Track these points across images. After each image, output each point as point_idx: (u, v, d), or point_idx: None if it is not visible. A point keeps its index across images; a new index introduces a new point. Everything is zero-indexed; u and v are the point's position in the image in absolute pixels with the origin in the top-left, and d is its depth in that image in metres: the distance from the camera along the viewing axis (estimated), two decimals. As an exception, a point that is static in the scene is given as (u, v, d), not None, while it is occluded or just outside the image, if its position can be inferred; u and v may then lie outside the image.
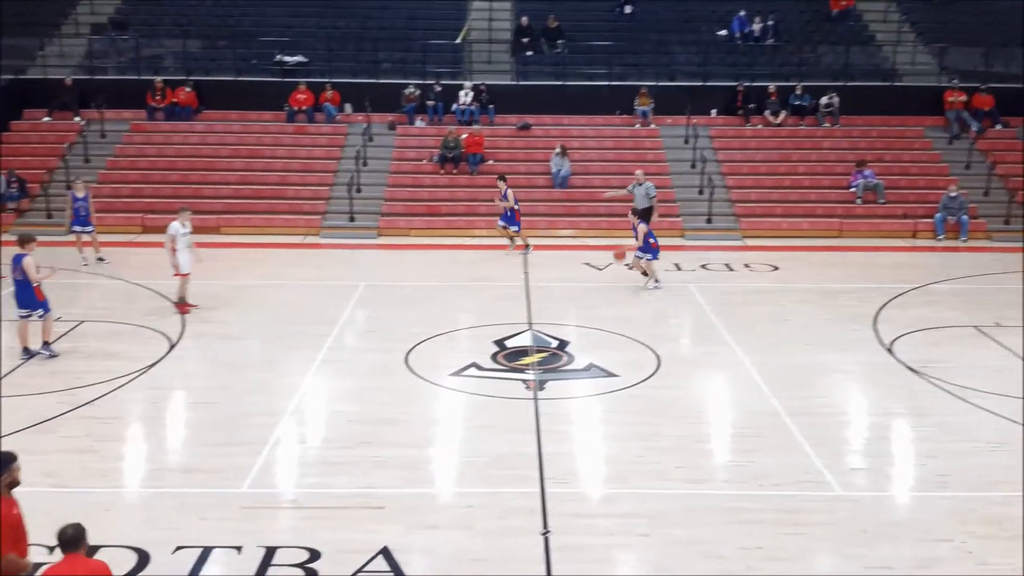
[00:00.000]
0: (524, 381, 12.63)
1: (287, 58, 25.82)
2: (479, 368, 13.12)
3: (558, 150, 23.27)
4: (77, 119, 24.31)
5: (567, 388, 12.53)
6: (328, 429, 11.41)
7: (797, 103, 25.46)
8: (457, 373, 12.90)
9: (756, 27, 27.26)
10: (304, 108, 24.94)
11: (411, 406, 11.88)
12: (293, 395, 12.29)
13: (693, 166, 23.75)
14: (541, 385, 12.48)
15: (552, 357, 13.65)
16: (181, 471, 10.13)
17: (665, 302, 16.73)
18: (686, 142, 24.52)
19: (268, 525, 8.95)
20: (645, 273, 17.29)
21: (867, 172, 23.00)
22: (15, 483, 6.76)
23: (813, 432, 10.97)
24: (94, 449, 10.59)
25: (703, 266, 19.21)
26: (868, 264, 19.49)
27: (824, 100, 25.28)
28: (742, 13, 27.44)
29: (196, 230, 20.50)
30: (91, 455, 10.41)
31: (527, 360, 13.49)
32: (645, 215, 19.14)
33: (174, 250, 15.22)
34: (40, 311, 13.23)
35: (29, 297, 13.12)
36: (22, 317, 13.23)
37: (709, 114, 25.55)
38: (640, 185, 19.88)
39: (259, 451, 10.49)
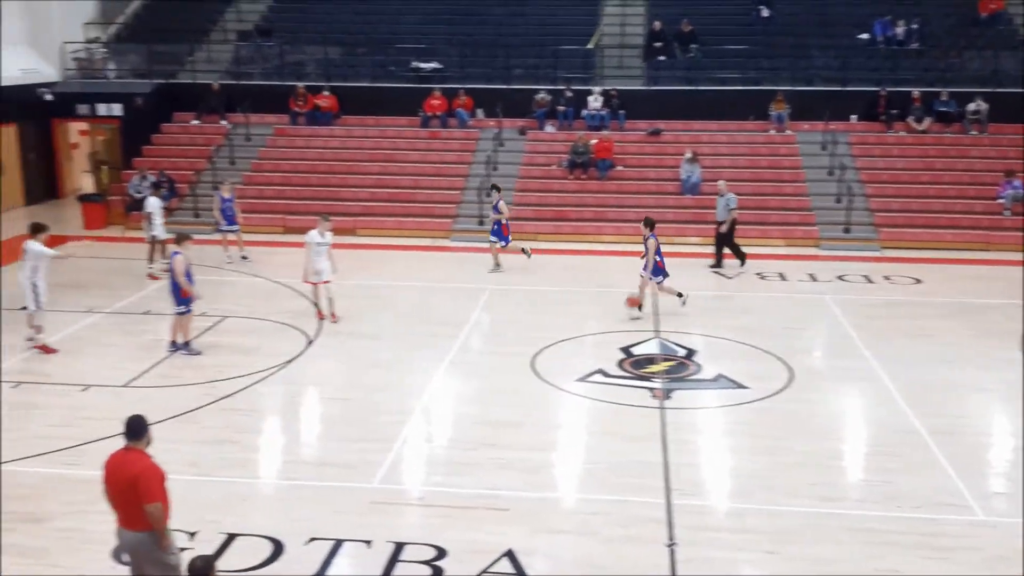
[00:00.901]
0: (650, 389, 12.53)
1: (422, 65, 26.36)
2: (605, 375, 13.09)
3: (689, 156, 22.98)
4: (224, 122, 25.41)
5: (694, 398, 12.36)
6: (454, 429, 11.59)
7: (942, 109, 24.40)
8: (583, 379, 12.90)
9: (899, 30, 26.27)
10: (438, 114, 25.41)
11: (536, 410, 11.95)
12: (421, 394, 12.54)
13: (831, 173, 23.07)
14: (668, 394, 12.35)
15: (679, 366, 13.50)
16: (315, 464, 10.47)
17: (799, 313, 16.31)
18: (823, 148, 23.84)
19: (396, 521, 9.17)
20: (680, 294, 15.99)
21: (1016, 183, 21.85)
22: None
23: (953, 453, 10.51)
24: (233, 440, 11.06)
25: (840, 277, 18.63)
26: (1016, 279, 18.50)
27: (971, 107, 24.15)
28: (885, 16, 26.49)
29: (333, 230, 21.32)
30: (230, 446, 10.88)
31: (654, 368, 13.37)
32: (728, 230, 18.71)
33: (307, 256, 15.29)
34: (182, 308, 13.84)
35: (175, 294, 13.74)
36: (179, 313, 13.88)
37: (848, 120, 24.78)
38: (721, 196, 19.32)
39: (389, 448, 10.75)
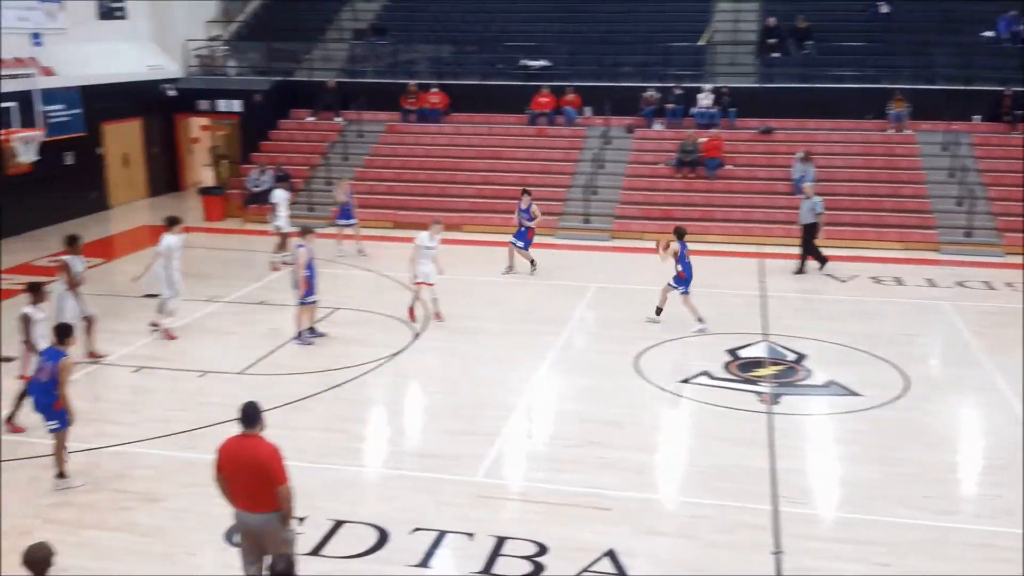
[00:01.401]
0: (758, 393, 12.29)
1: (531, 63, 26.44)
2: (710, 377, 12.91)
3: (801, 155, 22.43)
4: (338, 119, 26.00)
5: (804, 404, 12.09)
6: (557, 426, 11.61)
7: (1073, 109, 23.23)
8: (687, 380, 12.76)
9: (1027, 27, 25.11)
10: (545, 111, 25.45)
11: (639, 410, 11.88)
12: (524, 390, 12.61)
13: (952, 175, 22.20)
14: (776, 399, 12.10)
15: (788, 371, 13.21)
16: (419, 455, 10.63)
17: (915, 319, 15.77)
18: (944, 149, 22.96)
19: (499, 515, 9.24)
20: (699, 319, 14.90)
21: None
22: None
23: (1081, 471, 10.00)
24: (342, 429, 11.33)
25: (959, 283, 17.91)
26: None
27: (1106, 106, 22.92)
28: (1011, 13, 25.33)
29: (450, 227, 21.59)
30: (339, 434, 11.14)
31: (761, 372, 13.12)
32: (809, 233, 18.04)
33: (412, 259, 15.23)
34: (309, 299, 14.20)
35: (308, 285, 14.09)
36: (302, 303, 14.24)
37: (971, 120, 23.80)
38: (807, 199, 18.66)
39: (492, 442, 10.84)
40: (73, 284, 13.17)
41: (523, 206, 18.62)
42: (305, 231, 14.43)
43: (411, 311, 15.29)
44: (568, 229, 22.06)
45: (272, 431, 11.04)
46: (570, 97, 25.41)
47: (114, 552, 8.46)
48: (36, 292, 11.08)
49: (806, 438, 11.17)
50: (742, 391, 12.38)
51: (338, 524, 8.95)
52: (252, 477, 7.04)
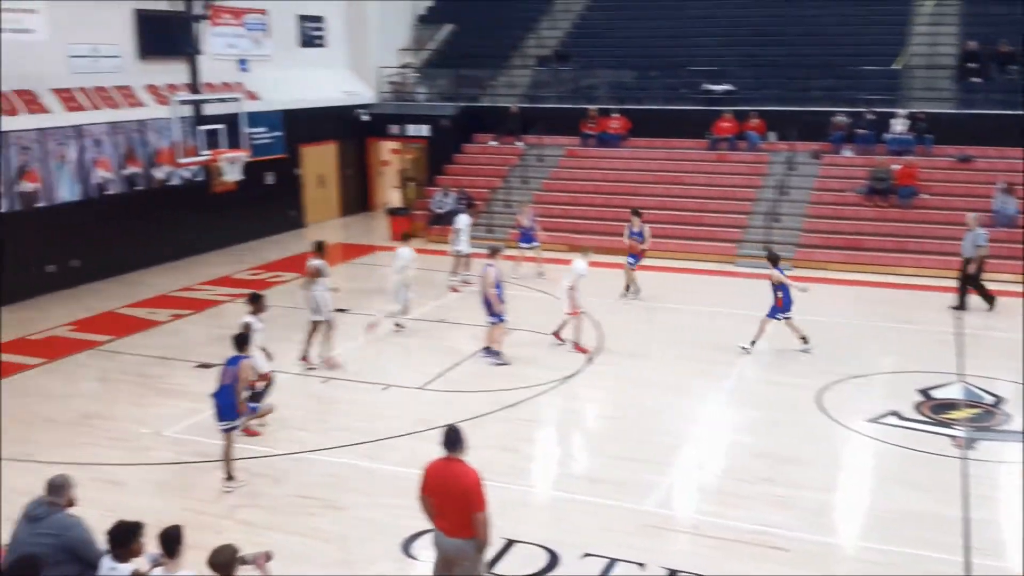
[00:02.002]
0: (951, 437, 11.59)
1: (714, 87, 26.11)
2: (899, 417, 12.28)
3: (1002, 186, 21.09)
4: (519, 144, 26.51)
5: (1002, 451, 11.31)
6: (731, 459, 11.34)
7: None
8: (874, 419, 12.18)
9: None
10: (727, 136, 25.06)
11: (820, 447, 11.45)
12: (698, 420, 12.41)
13: None
14: (971, 444, 11.38)
15: (985, 414, 12.40)
16: (589, 480, 10.63)
17: None
18: None
19: (669, 547, 9.11)
20: (804, 339, 14.87)
21: None
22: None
23: None
24: (514, 448, 11.48)
25: None
26: None
27: None
28: None
29: (615, 252, 21.55)
30: (511, 454, 11.30)
31: (956, 415, 12.37)
32: (976, 269, 16.80)
33: (573, 287, 15.16)
34: (495, 319, 14.47)
35: (487, 305, 14.43)
36: (492, 323, 14.56)
37: None
38: (970, 231, 17.27)
39: (662, 471, 10.72)
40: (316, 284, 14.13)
41: (635, 228, 18.47)
42: (493, 251, 14.86)
43: (577, 345, 15.11)
44: (747, 257, 21.56)
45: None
46: (754, 122, 24.90)
47: (297, 556, 8.86)
48: (256, 303, 11.92)
49: (1003, 487, 10.44)
50: (934, 434, 11.71)
51: (509, 543, 9.06)
52: (453, 501, 7.12)
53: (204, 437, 11.59)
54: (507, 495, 10.16)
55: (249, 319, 11.67)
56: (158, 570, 6.42)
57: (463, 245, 19.35)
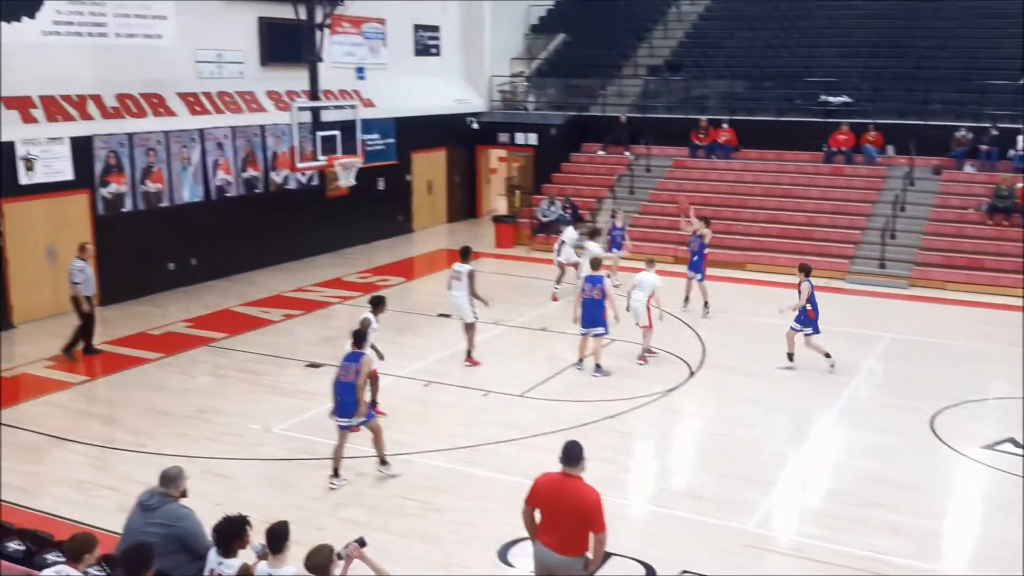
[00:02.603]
0: (1072, 468, 11.04)
1: (831, 98, 25.49)
2: (1016, 444, 11.74)
3: None
4: (627, 153, 26.39)
5: None
6: (838, 481, 11.02)
7: None
8: (990, 446, 11.68)
9: None
10: (843, 149, 24.42)
11: (932, 473, 11.05)
12: (804, 439, 12.13)
13: None
14: (1095, 476, 10.80)
15: (1112, 446, 11.75)
16: (689, 496, 10.48)
17: None
18: None
19: (770, 568, 8.94)
20: (827, 355, 14.49)
21: None
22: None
23: None
24: (613, 460, 11.40)
25: None
26: None
27: None
28: None
29: (723, 264, 21.27)
30: (611, 465, 11.22)
31: (1080, 445, 11.77)
32: None
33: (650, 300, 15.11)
34: (599, 329, 14.36)
35: (595, 316, 14.26)
36: (595, 335, 14.39)
37: None
38: None
39: (766, 491, 10.51)
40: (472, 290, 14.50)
41: (701, 234, 18.07)
42: (595, 263, 14.82)
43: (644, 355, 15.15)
44: (860, 274, 20.97)
45: (543, 455, 11.37)
46: (871, 135, 24.21)
47: (396, 556, 8.96)
48: (378, 305, 12.33)
49: None
50: (1055, 465, 11.17)
51: (607, 555, 8.99)
52: (566, 517, 6.95)
53: (311, 435, 11.91)
54: (605, 507, 10.08)
55: (369, 317, 11.97)
56: (263, 565, 6.58)
57: (564, 256, 19.28)
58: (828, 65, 26.80)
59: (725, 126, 25.71)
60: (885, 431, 12.25)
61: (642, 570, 8.76)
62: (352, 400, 10.39)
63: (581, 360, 14.62)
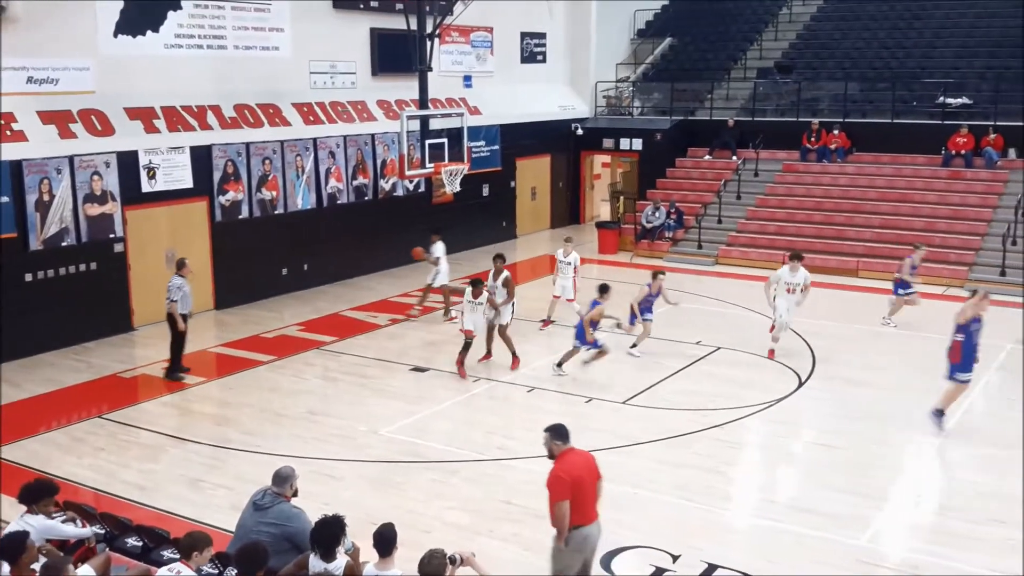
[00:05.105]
0: None
1: (950, 100, 24.57)
2: None
3: None
4: (734, 158, 25.97)
5: None
6: (955, 497, 10.61)
7: None
8: (1123, 465, 11.07)
9: None
10: (962, 152, 23.50)
11: (1058, 491, 10.51)
12: (918, 453, 11.74)
13: None
14: None
15: None
16: (799, 509, 10.22)
17: None
18: None
19: (882, 586, 8.65)
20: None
21: None
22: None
23: None
24: (720, 470, 11.24)
25: None
26: None
27: None
28: None
29: (835, 271, 20.75)
30: (717, 476, 11.07)
31: None
32: None
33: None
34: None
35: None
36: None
37: None
38: None
39: (879, 506, 10.20)
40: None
41: (915, 263, 17.42)
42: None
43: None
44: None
45: (648, 463, 11.33)
46: (992, 137, 23.24)
47: (501, 562, 8.98)
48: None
49: None
50: None
51: (711, 568, 8.89)
52: (595, 488, 7.61)
53: (416, 438, 12.11)
54: (709, 517, 10.00)
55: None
56: (370, 567, 6.70)
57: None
58: (946, 65, 25.89)
59: (837, 130, 25.05)
60: (1005, 446, 11.72)
61: (748, 584, 8.61)
62: (581, 330, 14.13)
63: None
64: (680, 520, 9.89)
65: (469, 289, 14.54)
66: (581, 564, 7.59)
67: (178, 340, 14.54)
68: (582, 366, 14.52)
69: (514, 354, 15.01)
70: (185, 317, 14.46)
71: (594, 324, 14.12)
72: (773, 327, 15.49)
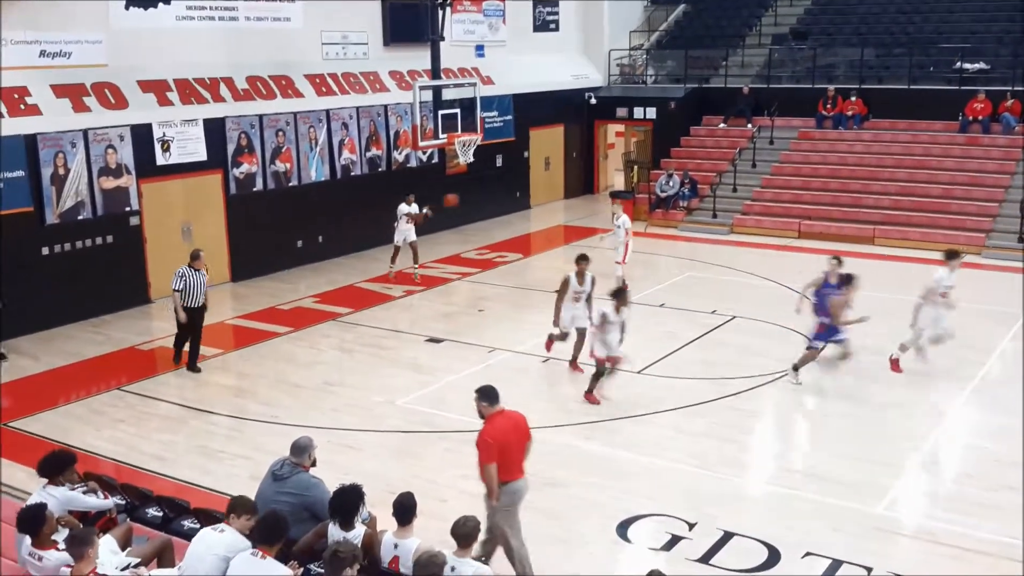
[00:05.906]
0: None
1: (967, 65, 24.28)
2: None
3: None
4: (749, 126, 25.77)
5: None
6: (972, 465, 10.61)
7: None
8: None
9: None
10: (980, 118, 23.26)
11: (1075, 459, 10.49)
12: (937, 421, 11.71)
13: None
14: None
15: None
16: (815, 477, 10.24)
17: None
18: None
19: (900, 553, 8.68)
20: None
21: None
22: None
23: None
24: (735, 439, 11.27)
25: None
26: None
27: None
28: None
29: (851, 239, 20.63)
30: (732, 444, 11.09)
31: None
32: None
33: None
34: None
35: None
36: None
37: None
38: None
39: (896, 474, 10.20)
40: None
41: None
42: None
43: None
44: (998, 248, 20.02)
45: (665, 432, 11.37)
46: (1009, 103, 22.98)
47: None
48: (619, 298, 12.24)
49: None
50: None
51: (727, 535, 8.92)
52: (521, 444, 7.87)
53: (433, 408, 12.17)
54: (726, 486, 10.03)
55: (608, 311, 12.04)
56: (389, 535, 6.76)
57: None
58: (964, 31, 25.56)
59: (853, 97, 24.81)
60: (1021, 414, 11.68)
61: (764, 552, 8.63)
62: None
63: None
64: (696, 488, 9.92)
65: (604, 312, 12.25)
66: (516, 516, 7.92)
67: (181, 333, 13.73)
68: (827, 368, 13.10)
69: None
70: (194, 310, 13.42)
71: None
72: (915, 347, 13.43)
